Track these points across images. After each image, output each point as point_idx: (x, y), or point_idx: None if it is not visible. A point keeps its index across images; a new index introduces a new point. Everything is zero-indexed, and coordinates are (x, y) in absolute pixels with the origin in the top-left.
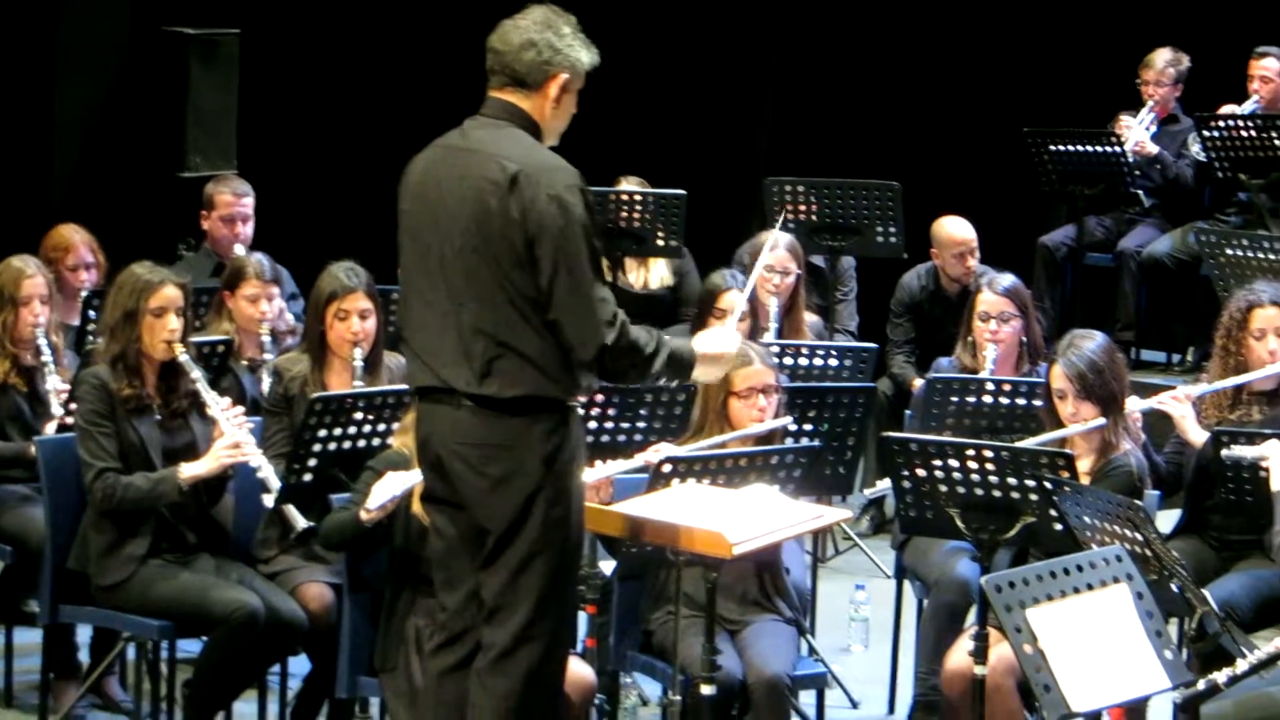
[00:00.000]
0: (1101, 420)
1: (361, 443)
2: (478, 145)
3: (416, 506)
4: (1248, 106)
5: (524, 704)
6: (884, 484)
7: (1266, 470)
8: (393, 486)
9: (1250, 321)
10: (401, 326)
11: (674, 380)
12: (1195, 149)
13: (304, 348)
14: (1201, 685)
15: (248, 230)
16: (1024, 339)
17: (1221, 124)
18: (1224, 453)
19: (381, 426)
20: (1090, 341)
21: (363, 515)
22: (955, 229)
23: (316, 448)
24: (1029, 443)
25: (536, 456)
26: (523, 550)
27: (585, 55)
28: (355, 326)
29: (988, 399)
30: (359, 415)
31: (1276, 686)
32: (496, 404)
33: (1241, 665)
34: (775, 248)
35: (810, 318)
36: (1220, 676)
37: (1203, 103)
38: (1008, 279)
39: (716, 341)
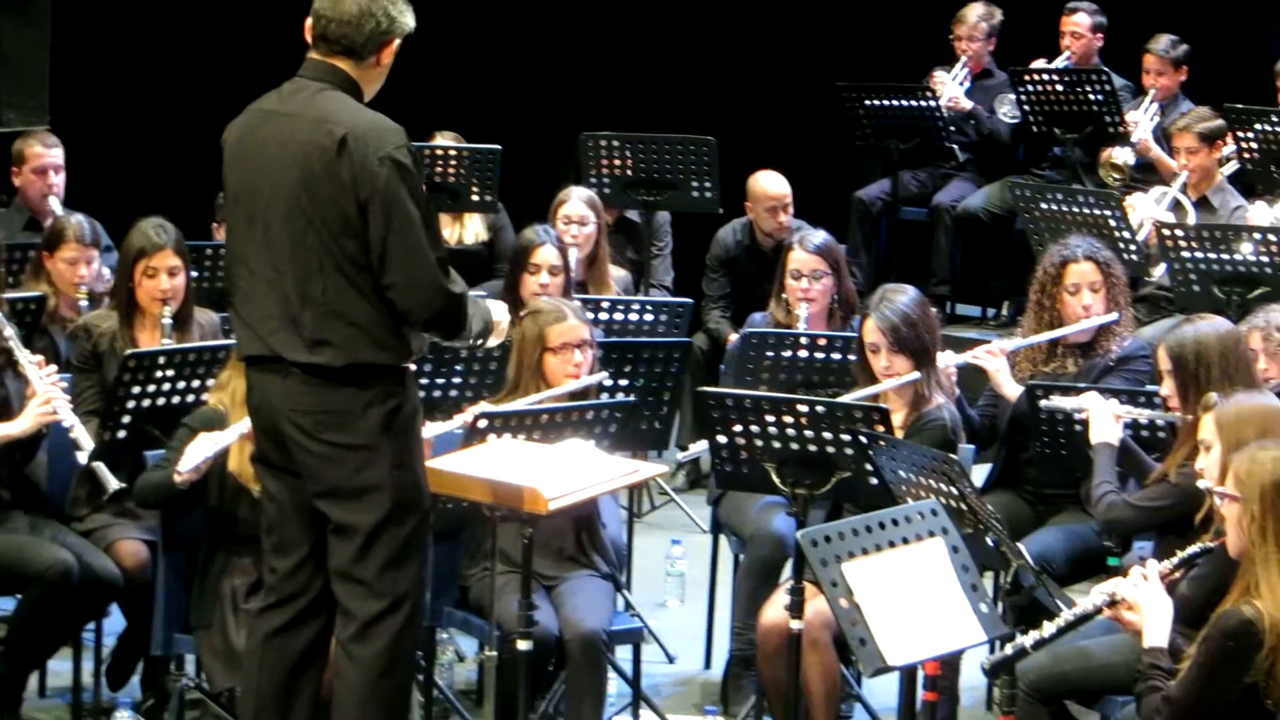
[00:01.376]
0: (915, 374)
1: (175, 399)
2: (299, 109)
3: (233, 465)
4: (1060, 62)
5: (390, 668)
6: (699, 446)
7: (1083, 423)
8: (205, 448)
9: (1064, 276)
10: (229, 294)
11: (479, 340)
12: (1005, 109)
13: (113, 304)
14: (1009, 649)
15: (60, 181)
16: (836, 295)
17: (1035, 79)
18: (1042, 403)
19: (195, 383)
20: (902, 295)
21: (176, 478)
22: (769, 184)
23: (130, 404)
24: (844, 398)
25: (374, 422)
26: (375, 517)
27: (410, 19)
28: (164, 284)
29: (802, 354)
30: (172, 372)
31: (1090, 640)
32: (329, 372)
33: (1049, 628)
34: (568, 200)
35: (622, 273)
36: (1027, 640)
37: (1017, 57)
38: (819, 236)
39: (500, 310)
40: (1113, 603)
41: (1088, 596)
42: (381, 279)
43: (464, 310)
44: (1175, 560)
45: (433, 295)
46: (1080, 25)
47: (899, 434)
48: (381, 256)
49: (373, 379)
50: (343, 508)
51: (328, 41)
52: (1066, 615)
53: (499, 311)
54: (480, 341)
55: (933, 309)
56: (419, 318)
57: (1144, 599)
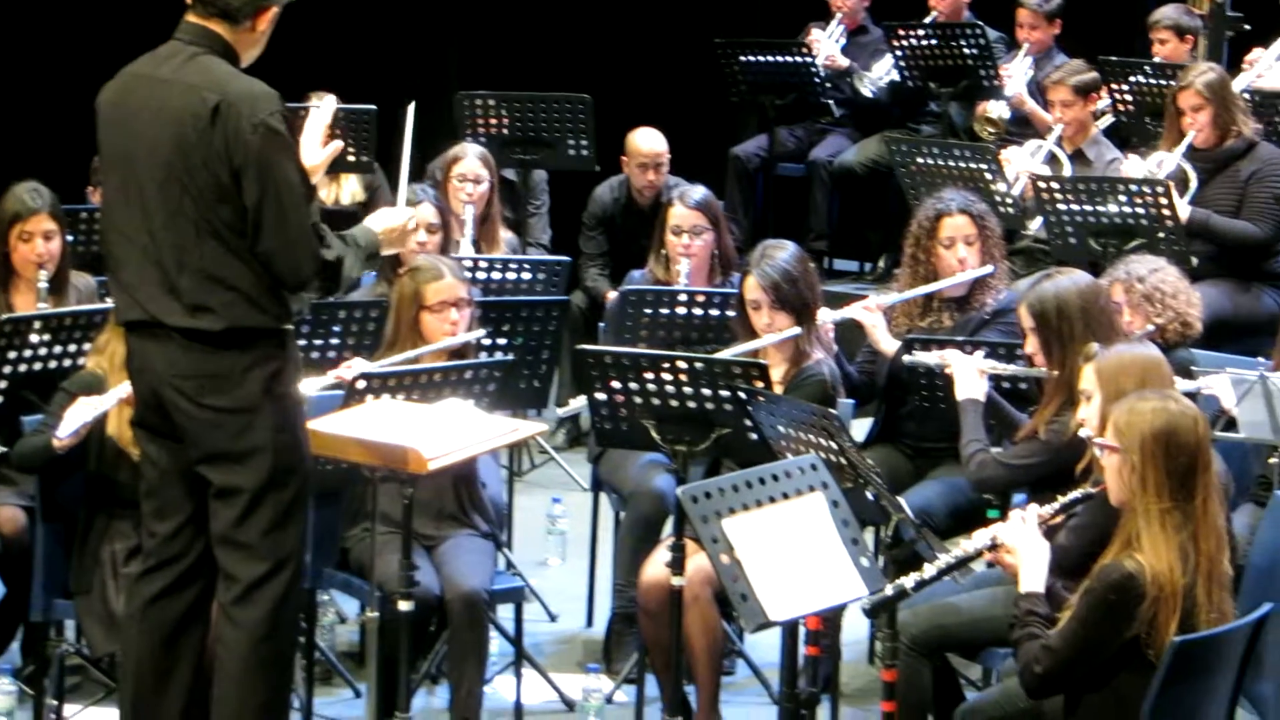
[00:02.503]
0: (795, 329)
1: (52, 363)
2: (174, 75)
3: (112, 429)
4: (928, 19)
5: (273, 632)
6: (578, 402)
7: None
8: (84, 412)
9: (939, 230)
10: (106, 259)
11: (370, 269)
12: (875, 76)
13: None
14: (889, 590)
15: None
16: (716, 251)
17: (909, 35)
18: (905, 359)
19: (72, 347)
20: (782, 251)
21: (55, 443)
22: (645, 141)
23: (6, 369)
24: (723, 354)
25: (256, 385)
26: (257, 480)
27: None
28: (39, 248)
29: (681, 311)
30: (48, 336)
31: (971, 593)
32: (208, 337)
33: (929, 570)
34: (463, 157)
35: (509, 234)
36: (908, 581)
37: (892, 13)
38: (699, 192)
39: (388, 218)
40: (993, 546)
41: (967, 540)
42: (256, 246)
43: (340, 273)
44: (1055, 505)
45: (306, 262)
46: None
47: (779, 390)
48: (256, 223)
49: (253, 342)
50: (225, 472)
51: (204, 4)
52: (946, 558)
53: (389, 219)
54: (370, 270)
55: (812, 265)
56: (292, 284)
57: (1021, 542)
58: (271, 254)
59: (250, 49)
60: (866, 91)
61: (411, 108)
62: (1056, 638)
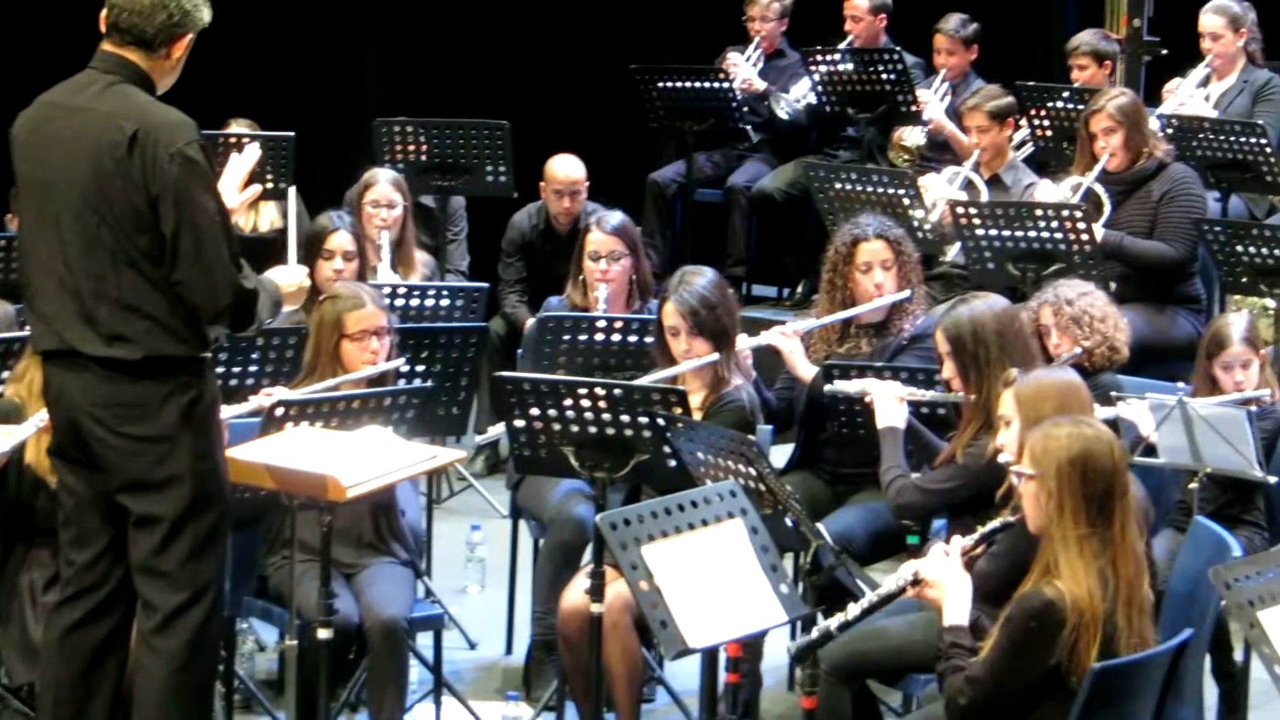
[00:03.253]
0: (714, 355)
1: None
2: (91, 104)
3: (30, 458)
4: (844, 44)
5: (192, 660)
6: (497, 429)
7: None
8: (2, 441)
9: (856, 255)
10: (23, 288)
11: (271, 319)
12: (783, 105)
13: None
14: (814, 634)
15: None
16: (633, 276)
17: (827, 60)
18: (826, 388)
19: None
20: (701, 278)
21: None
22: (562, 168)
23: None
24: (641, 380)
25: (174, 414)
26: (177, 509)
27: (207, 13)
28: None
29: (599, 337)
30: None
31: (891, 619)
32: (126, 366)
33: (853, 610)
34: (376, 183)
35: (427, 256)
36: (832, 624)
37: (809, 38)
38: (616, 217)
39: (287, 275)
40: (915, 582)
41: (890, 577)
42: (172, 275)
43: (255, 305)
44: (975, 536)
45: (223, 291)
46: (859, 9)
47: (697, 416)
48: (173, 252)
49: (171, 371)
50: (144, 500)
51: (120, 31)
52: (870, 597)
53: (288, 276)
54: (272, 321)
55: (730, 291)
56: (209, 313)
57: (943, 576)
58: (188, 283)
59: (166, 77)
60: (783, 113)
61: (293, 191)
62: (979, 668)
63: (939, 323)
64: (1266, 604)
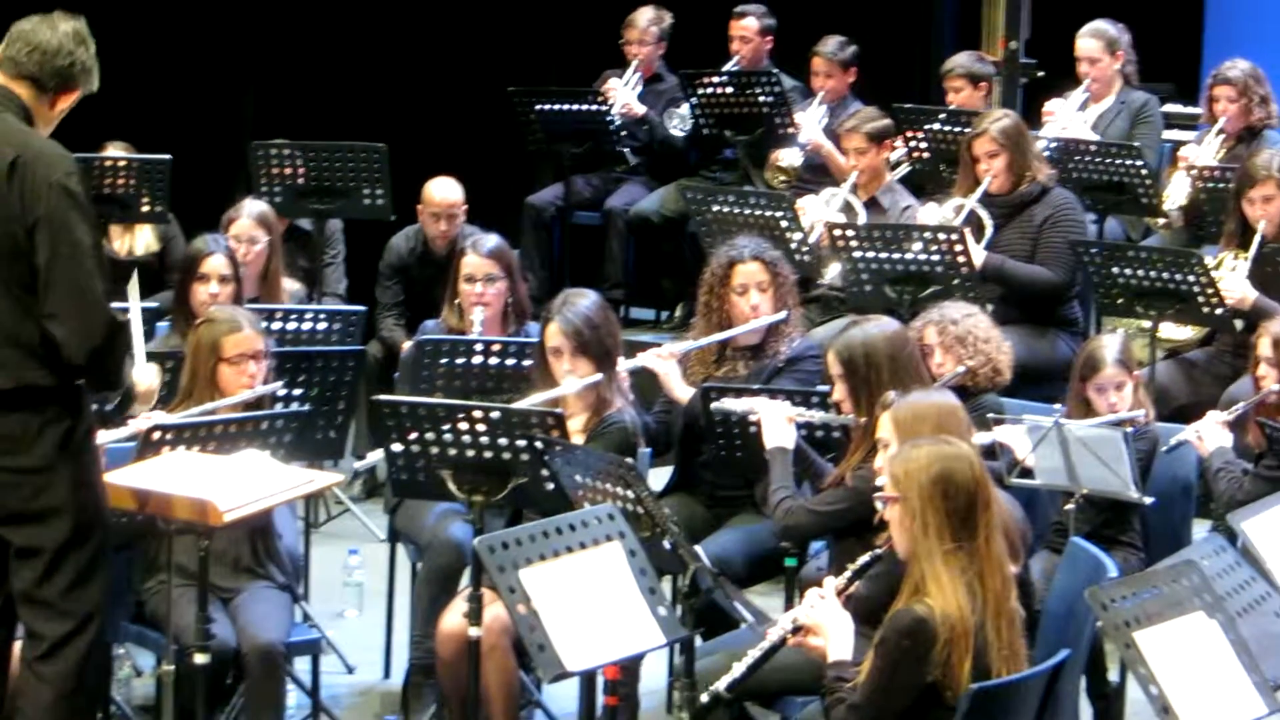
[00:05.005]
0: (597, 376)
1: None
2: None
3: None
4: (730, 66)
5: (78, 687)
6: (375, 455)
7: (756, 424)
8: None
9: (731, 277)
10: None
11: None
12: (676, 123)
13: None
14: (704, 698)
15: None
16: (510, 299)
17: (706, 82)
18: (713, 405)
19: None
20: (584, 299)
21: None
22: (437, 191)
23: None
24: (522, 402)
25: (50, 444)
26: (58, 539)
27: (96, 82)
28: None
29: (477, 360)
30: None
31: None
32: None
33: (738, 668)
34: (237, 218)
35: (295, 285)
36: (721, 685)
37: (688, 61)
38: (492, 240)
39: (143, 375)
40: (796, 630)
41: (773, 629)
42: (43, 307)
43: (122, 345)
44: (848, 574)
45: (95, 326)
46: (748, 29)
47: (579, 438)
48: (46, 283)
49: (45, 401)
50: (24, 532)
51: (15, 63)
52: (754, 653)
53: (142, 375)
54: (123, 410)
55: (613, 313)
56: (78, 350)
57: (823, 620)
58: (59, 316)
59: (43, 126)
60: (676, 131)
61: (134, 281)
62: (859, 694)
63: (831, 344)
64: (1142, 624)
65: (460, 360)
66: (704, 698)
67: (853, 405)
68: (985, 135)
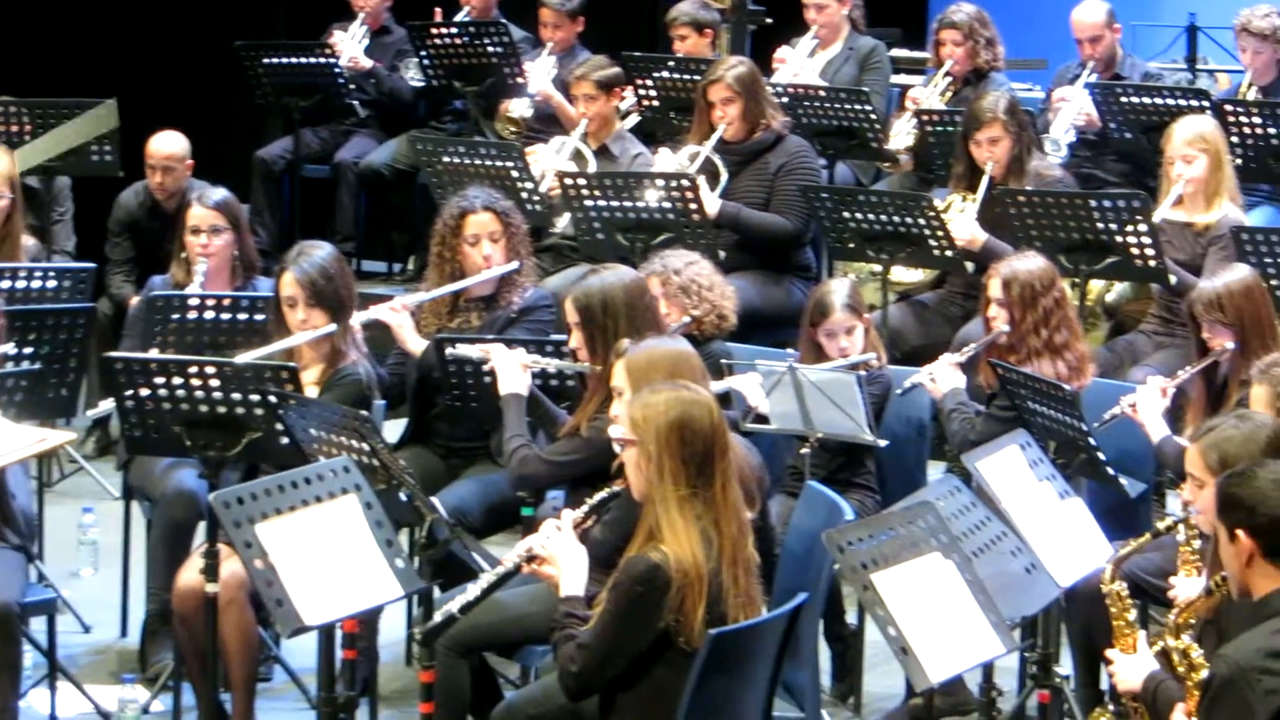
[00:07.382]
0: (332, 326)
1: None
2: None
3: None
4: (460, 17)
5: None
6: (106, 404)
7: (491, 375)
8: None
9: (464, 228)
10: None
11: None
12: (411, 74)
13: None
14: (438, 617)
15: None
16: (237, 253)
17: (434, 35)
18: (449, 351)
19: None
20: (320, 250)
21: None
22: (162, 144)
23: None
24: (257, 351)
25: None
26: None
27: None
28: None
29: (208, 315)
30: None
31: (507, 591)
32: None
33: (473, 590)
34: None
35: (31, 242)
36: (454, 606)
37: (418, 13)
38: (218, 193)
39: None
40: (530, 558)
41: (506, 555)
42: None
43: None
44: (585, 508)
45: None
46: None
47: (314, 390)
48: None
49: None
50: None
51: None
52: (488, 577)
53: None
54: None
55: (348, 265)
56: None
57: (557, 550)
58: None
59: None
60: (414, 82)
61: None
62: (589, 634)
63: (568, 292)
64: (880, 566)
65: (191, 315)
66: (437, 617)
67: (589, 353)
68: (720, 82)
